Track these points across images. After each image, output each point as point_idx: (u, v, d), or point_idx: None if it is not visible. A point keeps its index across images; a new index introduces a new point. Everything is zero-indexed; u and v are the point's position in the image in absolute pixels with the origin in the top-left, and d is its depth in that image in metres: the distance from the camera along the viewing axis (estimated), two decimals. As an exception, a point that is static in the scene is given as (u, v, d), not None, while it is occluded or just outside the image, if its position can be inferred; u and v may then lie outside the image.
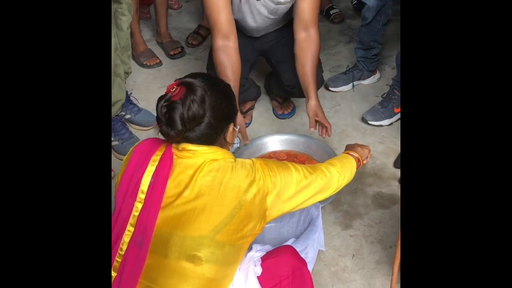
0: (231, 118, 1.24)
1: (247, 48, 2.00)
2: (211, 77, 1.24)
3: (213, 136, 1.17)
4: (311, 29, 1.86)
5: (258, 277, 1.25)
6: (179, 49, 2.77)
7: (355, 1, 3.07)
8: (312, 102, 1.87)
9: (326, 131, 1.88)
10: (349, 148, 1.55)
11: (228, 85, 1.26)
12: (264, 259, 1.30)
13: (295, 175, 1.23)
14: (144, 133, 2.23)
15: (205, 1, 1.79)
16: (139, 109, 2.30)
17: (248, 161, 1.20)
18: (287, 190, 1.21)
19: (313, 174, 1.28)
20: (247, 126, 2.28)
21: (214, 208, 1.10)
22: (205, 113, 1.13)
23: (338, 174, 1.34)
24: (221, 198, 1.11)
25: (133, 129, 2.25)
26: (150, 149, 1.20)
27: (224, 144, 1.23)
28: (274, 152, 1.98)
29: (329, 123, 1.88)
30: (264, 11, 1.90)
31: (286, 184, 1.20)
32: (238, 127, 1.30)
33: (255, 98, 2.34)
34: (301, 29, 1.87)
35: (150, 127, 2.27)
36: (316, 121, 1.89)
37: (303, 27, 1.86)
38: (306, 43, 1.86)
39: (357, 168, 1.47)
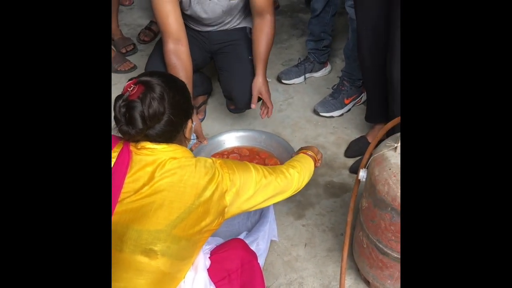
0: (189, 114, 1.25)
1: (194, 46, 2.00)
2: (166, 74, 1.25)
3: (173, 133, 1.17)
4: (266, 15, 1.89)
5: (207, 270, 1.27)
6: (131, 46, 2.74)
7: None
8: (258, 79, 1.91)
9: (267, 111, 1.93)
10: (305, 148, 1.58)
11: (183, 82, 1.26)
12: (213, 252, 1.31)
13: (254, 174, 1.25)
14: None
15: (154, 5, 1.79)
16: None
17: (208, 159, 1.21)
18: (246, 188, 1.23)
19: (273, 175, 1.30)
20: (201, 121, 2.29)
21: (173, 204, 1.11)
22: (165, 110, 1.13)
23: (298, 175, 1.38)
24: (180, 195, 1.12)
25: None
26: None
27: (183, 141, 1.24)
28: (238, 148, 1.97)
29: (271, 103, 1.93)
30: (219, 10, 1.91)
31: (245, 183, 1.22)
32: (195, 123, 1.31)
33: (206, 93, 2.35)
34: (257, 16, 1.91)
35: None
36: (260, 100, 1.93)
37: (259, 14, 1.90)
38: (260, 26, 1.90)
39: (315, 163, 1.51)
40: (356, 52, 2.04)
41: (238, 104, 2.06)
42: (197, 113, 2.29)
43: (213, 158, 1.23)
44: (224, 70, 2.07)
